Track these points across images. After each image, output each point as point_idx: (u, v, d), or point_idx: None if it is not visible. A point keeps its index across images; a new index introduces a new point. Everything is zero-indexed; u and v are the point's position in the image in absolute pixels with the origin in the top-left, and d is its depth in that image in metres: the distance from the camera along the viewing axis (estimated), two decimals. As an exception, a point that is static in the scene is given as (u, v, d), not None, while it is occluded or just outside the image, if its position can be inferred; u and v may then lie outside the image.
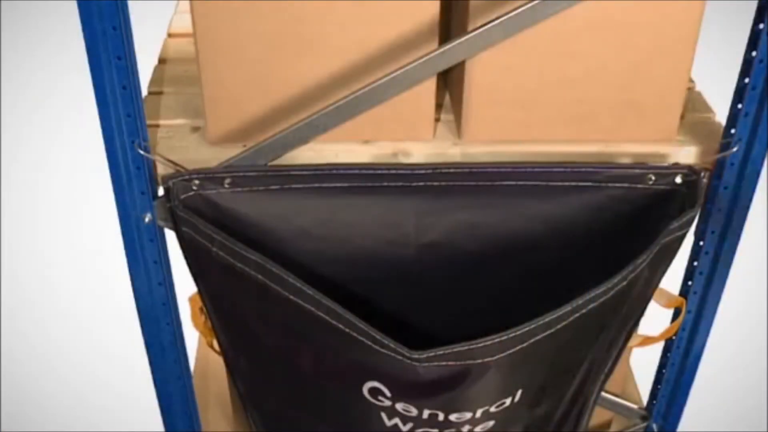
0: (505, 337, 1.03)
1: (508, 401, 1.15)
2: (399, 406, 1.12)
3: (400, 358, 1.04)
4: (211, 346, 1.33)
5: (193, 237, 1.11)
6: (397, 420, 1.14)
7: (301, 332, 1.12)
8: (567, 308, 1.03)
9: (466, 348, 1.03)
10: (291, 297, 1.04)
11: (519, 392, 1.15)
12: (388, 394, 1.11)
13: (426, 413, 1.12)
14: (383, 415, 1.15)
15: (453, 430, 1.15)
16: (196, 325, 1.29)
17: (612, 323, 1.18)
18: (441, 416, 1.13)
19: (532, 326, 1.03)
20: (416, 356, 1.03)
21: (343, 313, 1.03)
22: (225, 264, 1.08)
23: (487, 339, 1.02)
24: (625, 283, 1.07)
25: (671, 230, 1.11)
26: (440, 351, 1.03)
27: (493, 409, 1.15)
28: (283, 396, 1.28)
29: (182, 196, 1.12)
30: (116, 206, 1.15)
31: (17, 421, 1.99)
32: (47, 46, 3.27)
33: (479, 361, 1.04)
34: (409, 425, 1.15)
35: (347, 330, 1.04)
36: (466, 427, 1.16)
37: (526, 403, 1.18)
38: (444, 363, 1.04)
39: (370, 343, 1.04)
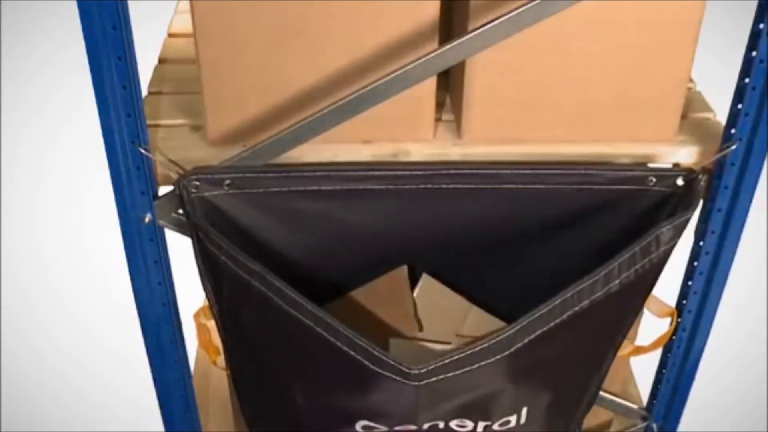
0: (499, 337, 1.03)
1: (513, 420, 1.15)
2: (396, 429, 1.12)
3: (398, 379, 1.03)
4: (215, 363, 1.32)
5: (207, 244, 1.10)
6: None
7: (300, 351, 1.11)
8: (556, 301, 1.03)
9: (464, 355, 1.03)
10: (291, 311, 1.03)
11: (524, 410, 1.15)
12: (383, 428, 1.11)
13: (426, 426, 1.12)
14: None
15: None
16: (201, 342, 1.29)
17: (607, 323, 1.18)
18: (441, 425, 1.12)
19: (524, 323, 1.03)
20: (416, 372, 1.02)
21: (342, 330, 1.02)
22: (234, 274, 1.07)
23: (483, 341, 1.02)
24: (615, 275, 1.07)
25: (664, 231, 1.10)
26: (439, 363, 1.02)
27: (496, 427, 1.15)
28: (283, 423, 1.27)
29: (192, 196, 1.12)
30: (116, 206, 1.15)
31: (17, 421, 1.99)
32: (47, 46, 3.27)
33: (477, 365, 1.04)
34: None
35: (345, 348, 1.02)
36: None
37: (534, 425, 1.18)
38: (443, 376, 1.04)
39: (368, 363, 1.02)
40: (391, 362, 1.02)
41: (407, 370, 1.02)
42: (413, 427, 1.11)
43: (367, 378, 1.04)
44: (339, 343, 1.02)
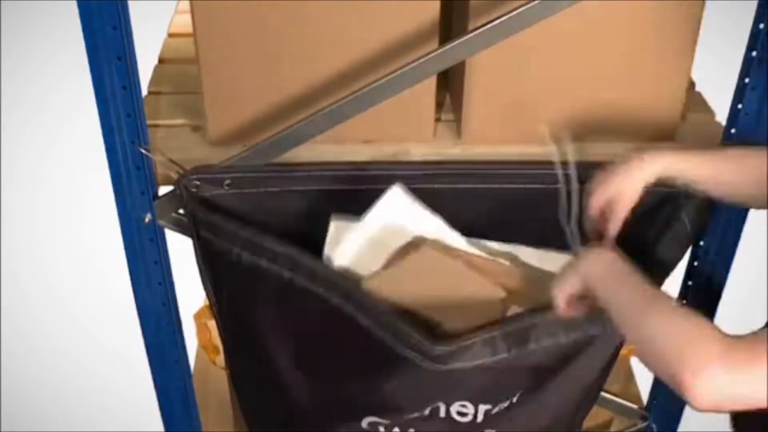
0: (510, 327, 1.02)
1: (506, 404, 1.15)
2: (396, 428, 1.12)
3: (420, 360, 1.01)
4: (215, 363, 1.32)
5: (213, 240, 1.10)
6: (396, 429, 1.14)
7: (316, 338, 1.10)
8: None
9: (489, 336, 1.02)
10: (319, 291, 1.03)
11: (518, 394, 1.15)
12: (387, 422, 1.11)
13: (427, 410, 1.12)
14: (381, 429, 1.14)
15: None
16: (201, 342, 1.29)
17: None
18: (443, 408, 1.12)
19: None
20: (438, 352, 0.99)
21: (375, 305, 1.01)
22: (247, 266, 1.07)
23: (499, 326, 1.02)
24: None
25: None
26: (467, 341, 1.00)
27: (495, 411, 1.14)
28: (283, 423, 1.27)
29: (192, 196, 1.11)
30: (116, 206, 1.15)
31: (17, 421, 1.99)
32: (47, 46, 3.27)
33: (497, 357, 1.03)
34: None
35: (374, 324, 1.01)
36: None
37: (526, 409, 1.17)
38: (462, 363, 1.02)
39: (392, 341, 1.01)
40: (417, 338, 1.00)
41: (430, 350, 1.00)
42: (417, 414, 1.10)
43: (387, 362, 1.03)
44: (363, 323, 1.01)
